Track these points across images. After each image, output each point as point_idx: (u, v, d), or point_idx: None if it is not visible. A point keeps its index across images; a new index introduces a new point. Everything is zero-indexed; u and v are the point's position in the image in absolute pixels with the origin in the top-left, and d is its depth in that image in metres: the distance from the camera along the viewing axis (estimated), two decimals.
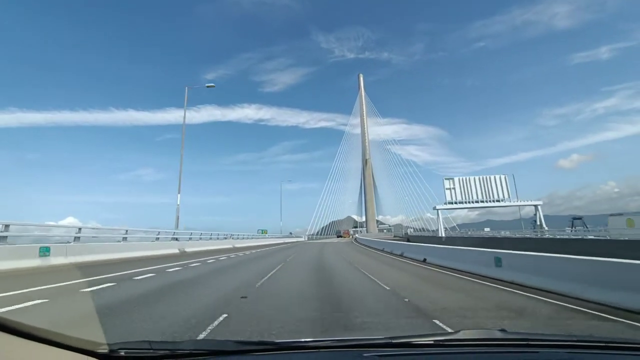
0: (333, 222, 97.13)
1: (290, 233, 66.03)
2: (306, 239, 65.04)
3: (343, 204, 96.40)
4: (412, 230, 78.80)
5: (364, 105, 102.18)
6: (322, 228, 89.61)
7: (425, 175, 68.49)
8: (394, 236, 73.59)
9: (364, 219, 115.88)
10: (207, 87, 29.26)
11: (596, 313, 5.29)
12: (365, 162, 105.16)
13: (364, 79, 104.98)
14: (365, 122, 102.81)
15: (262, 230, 55.74)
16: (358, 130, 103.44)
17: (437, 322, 4.57)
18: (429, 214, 71.99)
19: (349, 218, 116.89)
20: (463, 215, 68.24)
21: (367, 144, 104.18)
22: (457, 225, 67.47)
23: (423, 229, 76.81)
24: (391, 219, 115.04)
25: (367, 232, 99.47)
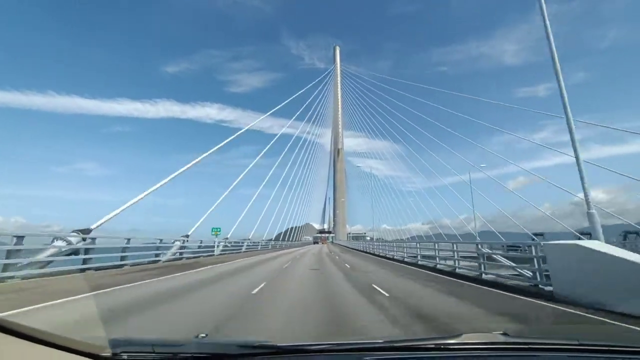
0: (291, 229, 78.80)
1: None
2: (217, 253, 23.33)
3: (303, 211, 77.32)
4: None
5: (338, 82, 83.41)
6: (280, 234, 70.10)
7: (384, 188, 64.61)
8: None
9: (325, 226, 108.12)
10: None
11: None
12: (337, 152, 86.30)
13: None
14: (339, 103, 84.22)
15: None
16: (324, 139, 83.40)
17: None
18: (385, 225, 70.47)
19: (309, 225, 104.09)
20: (417, 227, 57.47)
21: (340, 130, 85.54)
22: (410, 237, 59.26)
23: (380, 238, 75.80)
24: (350, 228, 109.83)
25: (335, 238, 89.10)
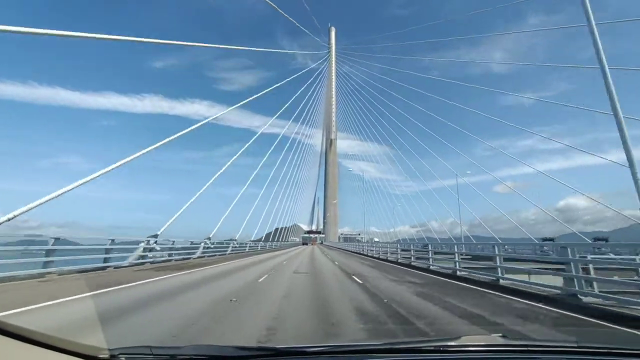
0: (278, 230, 70.58)
1: None
2: (196, 255, 18.45)
3: (291, 211, 69.65)
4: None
5: (333, 66, 75.03)
6: (268, 234, 61.89)
7: (375, 191, 62.48)
8: None
9: (313, 227, 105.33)
10: None
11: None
12: (330, 143, 77.90)
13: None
14: (333, 89, 75.97)
15: None
16: (315, 137, 75.41)
17: None
18: (373, 228, 69.05)
19: (296, 226, 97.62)
20: (404, 230, 56.02)
21: (333, 118, 77.21)
22: (401, 239, 56.92)
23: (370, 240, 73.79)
24: (339, 230, 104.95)
25: (326, 240, 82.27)
